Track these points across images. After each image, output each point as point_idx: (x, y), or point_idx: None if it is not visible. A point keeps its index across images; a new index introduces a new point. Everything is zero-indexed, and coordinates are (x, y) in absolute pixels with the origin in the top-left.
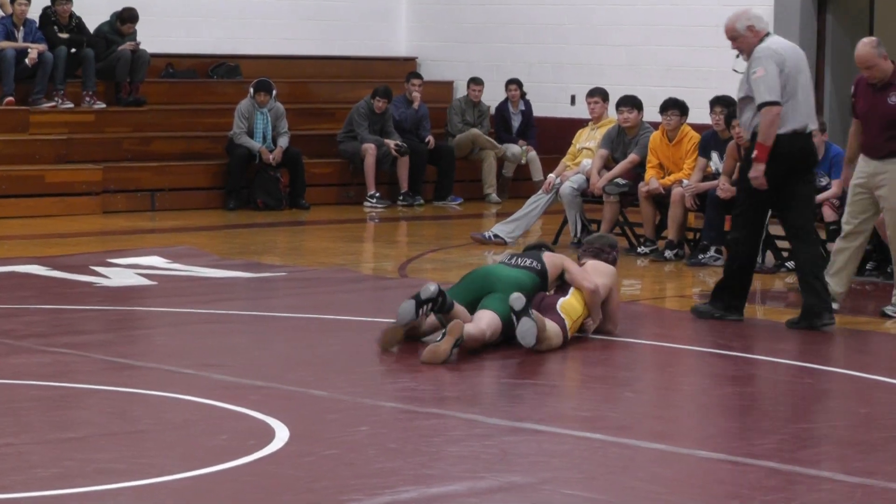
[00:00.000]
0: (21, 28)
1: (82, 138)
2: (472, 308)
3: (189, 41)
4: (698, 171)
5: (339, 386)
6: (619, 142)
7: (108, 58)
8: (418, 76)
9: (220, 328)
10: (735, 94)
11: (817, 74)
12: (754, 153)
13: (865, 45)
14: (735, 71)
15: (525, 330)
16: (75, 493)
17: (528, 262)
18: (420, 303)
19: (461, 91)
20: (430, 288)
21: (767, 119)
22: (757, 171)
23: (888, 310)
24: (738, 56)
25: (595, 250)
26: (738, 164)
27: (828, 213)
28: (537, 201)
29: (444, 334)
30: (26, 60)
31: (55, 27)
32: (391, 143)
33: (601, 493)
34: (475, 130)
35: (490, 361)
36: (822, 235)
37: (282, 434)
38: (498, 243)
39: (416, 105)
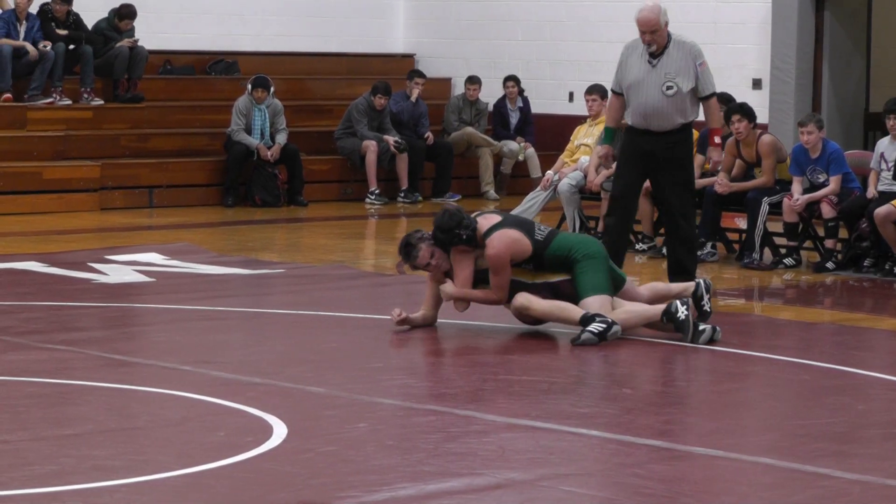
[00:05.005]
0: (24, 22)
1: (80, 135)
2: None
3: (187, 38)
4: (696, 167)
5: (337, 382)
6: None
7: (106, 54)
8: (421, 75)
9: (217, 325)
10: (722, 91)
11: (815, 71)
12: (716, 138)
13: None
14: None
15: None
16: (72, 489)
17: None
18: (602, 339)
19: (459, 88)
20: (618, 332)
21: (718, 106)
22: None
23: None
24: (650, 48)
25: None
26: (736, 159)
27: (826, 210)
28: (535, 198)
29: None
30: (31, 51)
31: (53, 24)
32: (390, 139)
33: (598, 489)
34: (469, 129)
35: (487, 358)
36: (821, 232)
37: (279, 431)
38: None
39: (413, 98)
